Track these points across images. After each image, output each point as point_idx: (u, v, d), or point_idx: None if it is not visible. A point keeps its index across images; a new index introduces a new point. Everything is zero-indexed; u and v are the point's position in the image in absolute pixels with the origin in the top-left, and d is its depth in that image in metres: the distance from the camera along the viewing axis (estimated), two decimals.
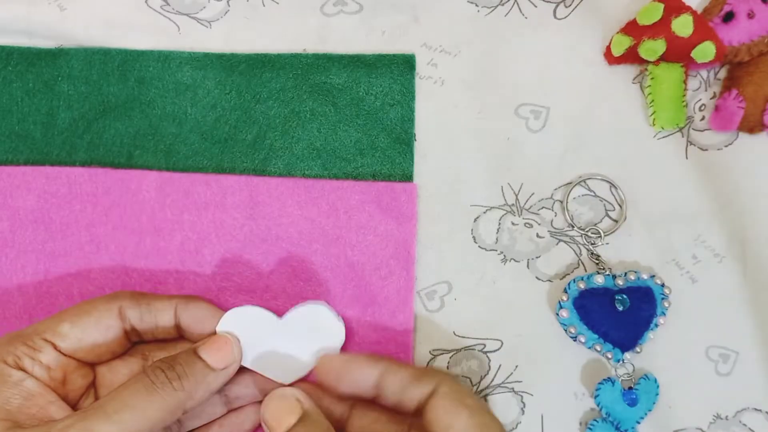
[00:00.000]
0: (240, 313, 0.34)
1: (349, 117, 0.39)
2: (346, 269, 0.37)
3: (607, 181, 0.38)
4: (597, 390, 0.36)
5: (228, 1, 0.39)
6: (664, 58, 0.37)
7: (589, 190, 0.39)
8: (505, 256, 0.38)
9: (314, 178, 0.38)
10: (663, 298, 0.37)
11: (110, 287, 0.36)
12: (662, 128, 0.39)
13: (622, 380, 0.37)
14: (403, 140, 0.38)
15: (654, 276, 0.37)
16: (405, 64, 0.39)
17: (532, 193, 0.39)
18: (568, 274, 0.38)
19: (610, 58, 0.39)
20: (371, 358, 0.33)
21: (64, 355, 0.32)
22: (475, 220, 0.38)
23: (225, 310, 0.34)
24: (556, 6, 0.39)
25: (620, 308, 0.36)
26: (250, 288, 0.37)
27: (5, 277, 0.37)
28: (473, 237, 0.38)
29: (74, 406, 0.32)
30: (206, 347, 0.33)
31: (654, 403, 0.37)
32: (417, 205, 0.38)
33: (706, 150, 0.39)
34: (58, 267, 0.36)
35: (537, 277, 0.38)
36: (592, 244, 0.38)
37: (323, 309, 0.35)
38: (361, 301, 0.37)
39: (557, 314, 0.37)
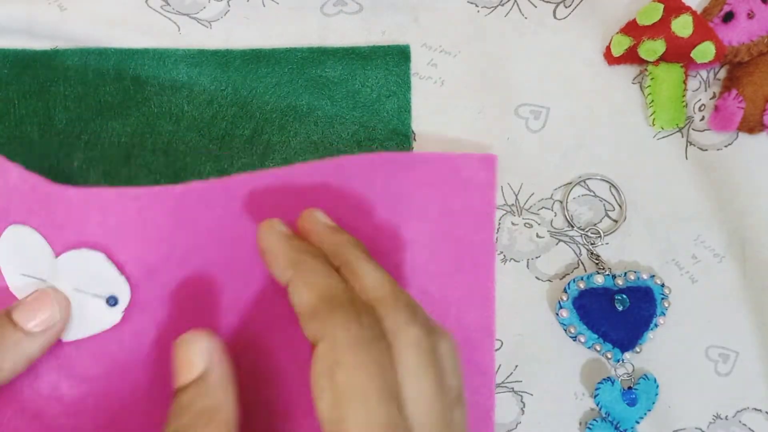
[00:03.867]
0: (19, 234, 0.31)
1: (346, 110, 0.38)
2: (426, 244, 0.36)
3: (607, 181, 0.38)
4: (597, 390, 0.36)
5: (228, 1, 0.39)
6: (663, 58, 0.37)
7: (589, 190, 0.39)
8: (505, 256, 0.38)
9: (383, 152, 0.37)
10: (663, 298, 0.37)
11: None
12: (662, 128, 0.39)
13: (621, 380, 0.37)
14: (400, 131, 0.38)
15: (654, 276, 0.37)
16: (400, 55, 0.39)
17: (532, 193, 0.39)
18: (568, 274, 0.38)
19: (610, 58, 0.39)
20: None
21: None
22: None
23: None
24: (556, 6, 0.39)
25: (620, 308, 0.37)
26: None
27: None
28: None
29: None
30: (20, 307, 0.29)
31: (653, 402, 0.37)
32: (496, 176, 0.37)
33: (706, 150, 0.39)
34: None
35: (537, 277, 0.38)
36: (591, 244, 0.38)
37: (100, 259, 0.31)
38: (445, 271, 0.36)
39: (557, 314, 0.37)
